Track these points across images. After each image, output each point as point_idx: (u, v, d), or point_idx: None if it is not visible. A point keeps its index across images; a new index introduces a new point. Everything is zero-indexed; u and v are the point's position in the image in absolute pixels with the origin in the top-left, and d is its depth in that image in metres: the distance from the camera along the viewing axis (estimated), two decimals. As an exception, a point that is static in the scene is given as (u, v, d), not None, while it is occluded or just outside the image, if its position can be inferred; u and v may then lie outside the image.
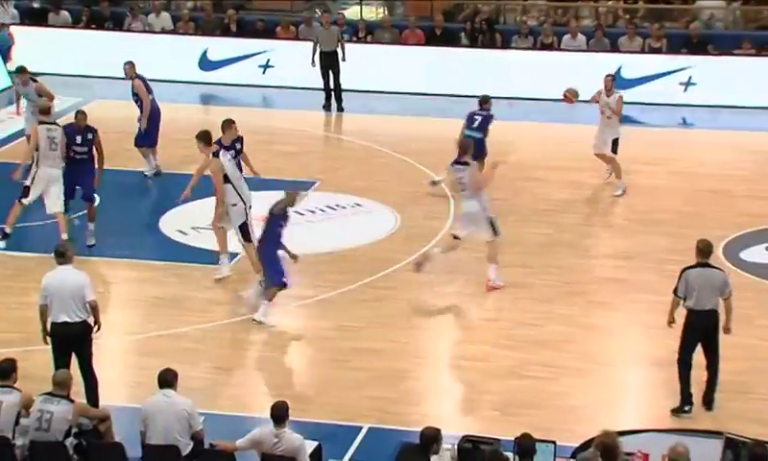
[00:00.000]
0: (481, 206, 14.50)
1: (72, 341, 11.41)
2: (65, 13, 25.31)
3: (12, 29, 24.18)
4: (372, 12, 26.57)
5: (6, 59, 23.85)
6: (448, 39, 23.81)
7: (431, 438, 9.36)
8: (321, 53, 21.87)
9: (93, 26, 25.18)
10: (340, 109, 21.98)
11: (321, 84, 21.98)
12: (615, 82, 17.95)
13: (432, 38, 23.87)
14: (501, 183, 17.99)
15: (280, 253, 13.75)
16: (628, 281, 14.69)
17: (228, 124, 15.50)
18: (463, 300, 14.65)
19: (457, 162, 14.60)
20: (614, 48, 23.09)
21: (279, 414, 9.71)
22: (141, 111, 18.35)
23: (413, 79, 22.98)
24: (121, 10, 25.63)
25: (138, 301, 14.39)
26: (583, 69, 22.20)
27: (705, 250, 11.66)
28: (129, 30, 24.83)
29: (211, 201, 15.72)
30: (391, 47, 23.66)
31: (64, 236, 15.10)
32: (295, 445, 9.67)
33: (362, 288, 14.65)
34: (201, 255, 15.42)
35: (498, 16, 25.13)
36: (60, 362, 11.28)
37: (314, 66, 21.70)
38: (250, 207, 14.45)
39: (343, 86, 22.04)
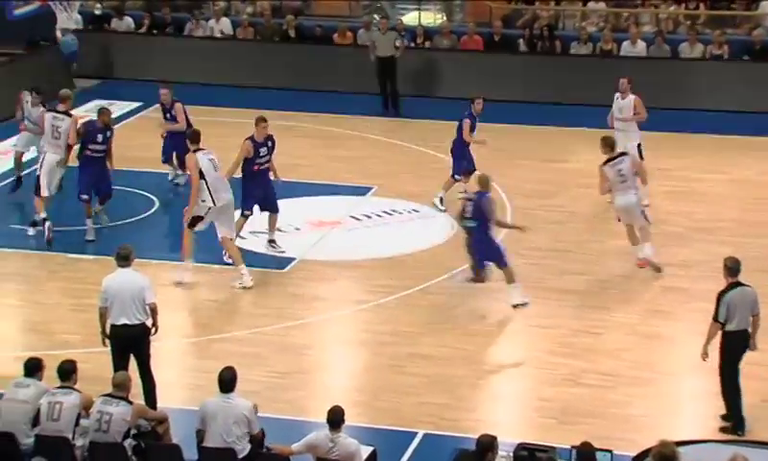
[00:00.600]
0: (638, 197, 14.93)
1: (131, 343, 11.51)
2: (128, 19, 25.59)
3: (76, 34, 24.48)
4: (431, 18, 26.54)
5: (70, 64, 24.17)
6: (507, 46, 23.74)
7: (487, 445, 9.30)
8: (377, 58, 21.89)
9: (154, 31, 25.43)
10: (397, 114, 21.99)
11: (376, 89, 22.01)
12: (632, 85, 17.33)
13: (491, 45, 23.82)
14: (560, 190, 17.97)
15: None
16: (687, 290, 14.52)
17: (259, 121, 15.47)
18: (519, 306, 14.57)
19: (610, 159, 14.93)
20: (675, 55, 22.87)
21: (335, 418, 9.73)
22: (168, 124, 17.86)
23: (471, 85, 22.90)
24: (182, 15, 25.86)
25: (195, 304, 14.48)
26: (642, 76, 22.09)
27: (735, 268, 11.33)
28: (189, 35, 25.05)
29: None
30: (449, 53, 23.63)
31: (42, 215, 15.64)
32: (350, 450, 9.67)
33: (419, 294, 14.63)
34: (258, 260, 15.49)
35: (557, 22, 24.99)
36: (120, 364, 11.39)
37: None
38: (216, 207, 14.54)
39: (401, 92, 22.05)
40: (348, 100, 22.90)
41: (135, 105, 22.67)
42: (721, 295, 11.20)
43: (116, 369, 11.25)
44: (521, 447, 9.81)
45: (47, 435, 9.92)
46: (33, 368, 10.34)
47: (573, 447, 9.35)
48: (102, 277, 11.95)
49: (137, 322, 11.44)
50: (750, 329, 11.26)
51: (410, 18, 25.99)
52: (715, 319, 11.20)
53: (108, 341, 11.62)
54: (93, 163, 15.85)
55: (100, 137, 15.85)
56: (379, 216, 17.10)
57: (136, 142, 20.01)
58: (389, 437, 11.32)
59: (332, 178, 18.49)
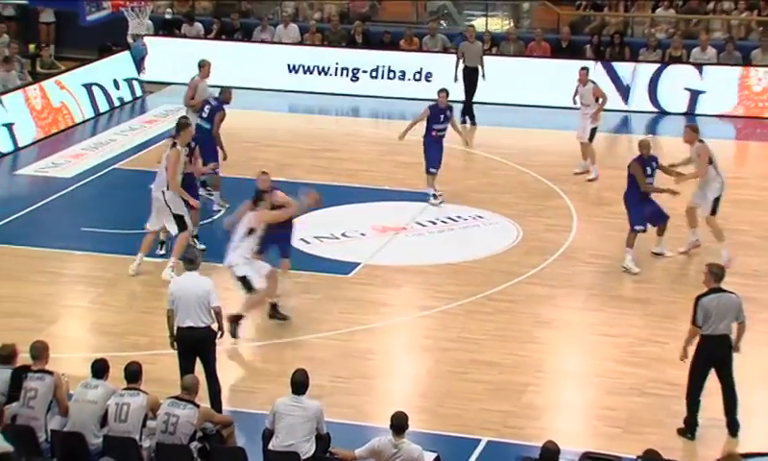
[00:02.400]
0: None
1: (196, 346, 11.62)
2: (198, 25, 25.87)
3: (146, 39, 24.81)
4: (498, 24, 26.48)
5: (139, 69, 24.50)
6: (574, 52, 23.60)
7: (551, 453, 9.25)
8: (465, 67, 21.70)
9: (223, 37, 25.66)
10: (473, 123, 21.83)
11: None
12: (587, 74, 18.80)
13: (558, 51, 23.69)
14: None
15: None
16: (757, 300, 14.28)
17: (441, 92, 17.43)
18: (584, 314, 14.48)
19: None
20: (747, 61, 22.58)
21: (399, 424, 9.74)
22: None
23: (538, 91, 22.83)
24: (251, 21, 26.07)
25: (261, 308, 14.54)
26: (712, 82, 21.88)
27: (719, 274, 11.41)
28: (257, 41, 25.24)
29: (335, 210, 15.94)
30: (516, 59, 23.54)
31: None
32: (413, 456, 9.67)
33: (482, 300, 14.59)
34: (323, 265, 15.56)
35: (626, 29, 24.79)
36: (186, 366, 11.51)
37: (456, 82, 21.53)
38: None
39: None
40: (415, 106, 22.91)
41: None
42: (698, 299, 11.34)
43: (182, 371, 11.37)
44: (586, 455, 9.75)
45: (115, 436, 10.05)
46: (100, 369, 10.48)
47: (638, 456, 9.26)
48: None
49: (202, 325, 11.54)
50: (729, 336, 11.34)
51: (477, 24, 25.91)
52: (692, 323, 11.36)
53: (175, 343, 11.75)
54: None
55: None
56: (444, 222, 17.08)
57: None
58: (452, 444, 11.29)
59: (398, 184, 18.50)
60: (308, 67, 24.41)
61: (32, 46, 24.96)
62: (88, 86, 22.84)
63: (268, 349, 13.52)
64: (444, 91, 17.73)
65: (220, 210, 17.12)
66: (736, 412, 11.44)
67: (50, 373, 10.46)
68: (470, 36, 22.12)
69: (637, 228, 15.34)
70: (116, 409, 10.12)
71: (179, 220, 15.00)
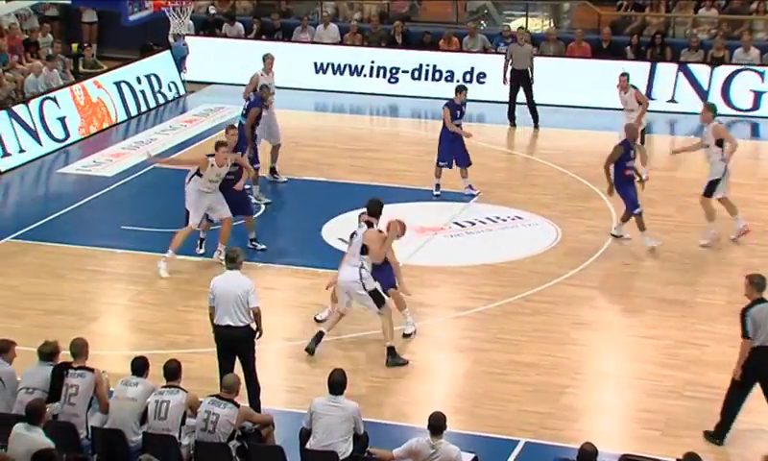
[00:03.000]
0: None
1: (234, 344, 11.66)
2: (239, 25, 25.98)
3: (187, 39, 24.95)
4: (538, 24, 26.38)
5: (180, 68, 24.64)
6: (614, 52, 23.46)
7: (589, 455, 9.22)
8: (513, 70, 21.54)
9: (263, 37, 25.75)
10: (536, 125, 21.54)
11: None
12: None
13: (598, 51, 23.57)
14: (667, 199, 17.72)
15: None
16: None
17: (459, 89, 17.95)
18: (624, 316, 14.43)
19: None
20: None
21: (437, 424, 9.74)
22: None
23: (578, 92, 22.73)
24: (291, 21, 26.14)
25: (300, 307, 14.61)
26: (754, 83, 21.69)
27: (761, 284, 11.20)
28: (297, 41, 25.32)
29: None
30: (556, 59, 23.44)
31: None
32: (451, 456, 9.67)
33: (520, 301, 14.55)
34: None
35: (667, 29, 24.61)
36: (224, 365, 11.57)
37: (505, 84, 21.45)
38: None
39: (506, 99, 21.79)
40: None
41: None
42: (745, 310, 11.09)
43: (221, 370, 11.43)
44: (624, 458, 9.71)
45: (154, 433, 10.12)
46: (139, 367, 10.56)
47: (678, 460, 9.20)
48: (209, 279, 12.15)
49: (241, 324, 11.58)
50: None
51: (517, 24, 25.84)
52: (743, 336, 11.05)
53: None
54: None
55: None
56: (483, 223, 17.05)
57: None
58: (490, 444, 11.28)
59: (430, 184, 18.47)
60: (347, 67, 24.45)
61: (74, 46, 25.17)
62: (130, 85, 23.01)
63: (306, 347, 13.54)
64: (462, 89, 18.11)
65: (259, 206, 17.20)
66: None
67: (90, 370, 10.55)
68: (520, 38, 21.99)
69: (636, 211, 15.81)
70: (156, 406, 10.19)
71: (186, 214, 15.26)
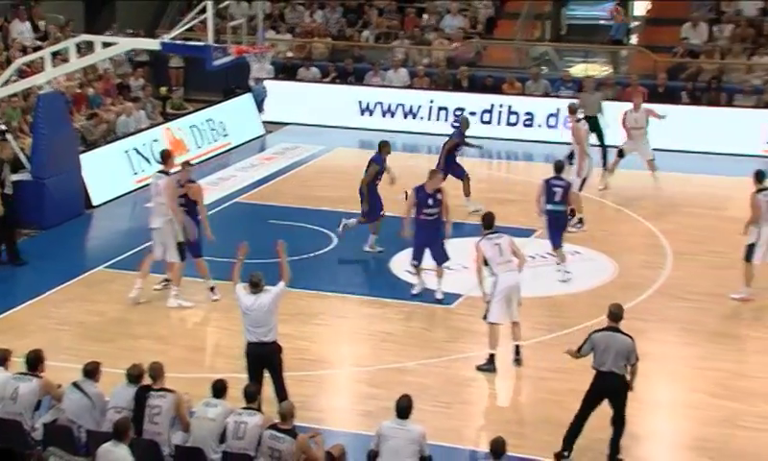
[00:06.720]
0: None
1: (263, 360, 11.75)
2: (314, 69, 26.21)
3: (266, 82, 25.22)
4: (597, 70, 26.22)
5: (260, 109, 24.91)
6: (670, 97, 23.22)
7: None
8: (585, 117, 21.30)
9: (337, 80, 25.94)
10: (605, 166, 20.84)
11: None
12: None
13: (654, 96, 23.34)
14: (720, 237, 17.48)
15: None
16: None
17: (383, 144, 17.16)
18: (678, 347, 14.21)
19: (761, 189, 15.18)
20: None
21: (498, 449, 9.66)
22: None
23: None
24: (363, 66, 26.30)
25: (368, 335, 14.60)
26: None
27: (616, 314, 11.24)
28: (368, 84, 25.45)
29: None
30: (611, 103, 23.20)
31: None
32: (510, 479, 9.57)
33: (580, 332, 14.35)
34: (427, 295, 15.54)
35: (722, 75, 24.33)
36: (254, 379, 11.61)
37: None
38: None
39: (562, 140, 21.59)
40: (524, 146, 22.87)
41: (319, 148, 23.17)
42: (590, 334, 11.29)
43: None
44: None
45: (233, 452, 10.15)
46: (219, 389, 10.62)
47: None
48: (288, 307, 12.17)
49: (268, 340, 11.68)
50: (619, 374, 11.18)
51: (577, 70, 25.74)
52: (577, 350, 11.41)
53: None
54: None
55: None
56: (543, 257, 16.93)
57: (318, 183, 20.45)
58: (548, 470, 11.14)
59: (499, 220, 18.35)
60: (416, 109, 24.52)
61: (163, 89, 25.57)
62: (213, 125, 23.29)
63: (373, 373, 13.53)
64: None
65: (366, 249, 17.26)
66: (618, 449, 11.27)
67: (171, 391, 10.63)
68: (588, 86, 21.80)
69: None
70: (234, 427, 10.23)
71: (179, 246, 15.37)
